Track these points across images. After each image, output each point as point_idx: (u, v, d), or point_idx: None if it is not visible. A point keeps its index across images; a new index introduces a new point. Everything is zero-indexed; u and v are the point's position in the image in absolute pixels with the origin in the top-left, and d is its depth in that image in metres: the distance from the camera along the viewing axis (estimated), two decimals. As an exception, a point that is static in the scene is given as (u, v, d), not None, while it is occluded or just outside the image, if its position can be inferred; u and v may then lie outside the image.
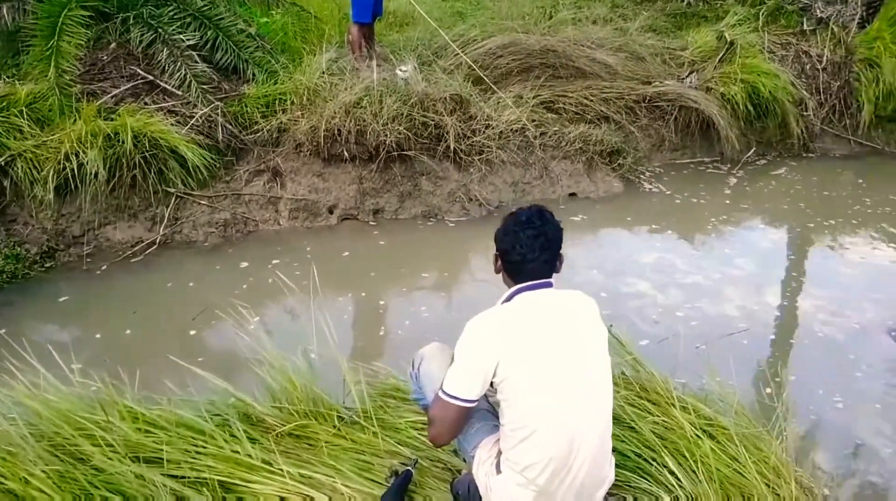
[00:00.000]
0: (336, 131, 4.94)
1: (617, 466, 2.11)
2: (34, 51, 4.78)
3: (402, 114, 5.00)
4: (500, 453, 1.99)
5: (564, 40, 6.21)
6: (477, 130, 5.34)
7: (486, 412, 2.12)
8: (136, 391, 2.63)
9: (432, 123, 5.09)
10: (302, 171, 5.11)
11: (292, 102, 5.14)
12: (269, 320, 3.92)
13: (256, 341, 2.72)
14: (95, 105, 4.63)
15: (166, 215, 4.69)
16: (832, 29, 6.81)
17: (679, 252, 4.77)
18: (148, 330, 3.82)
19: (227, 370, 3.31)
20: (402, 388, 2.80)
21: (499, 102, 5.61)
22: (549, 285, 1.98)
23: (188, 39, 5.09)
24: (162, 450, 2.22)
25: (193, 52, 5.07)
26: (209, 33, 5.24)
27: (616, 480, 2.09)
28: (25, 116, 4.51)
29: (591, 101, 5.97)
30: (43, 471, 2.14)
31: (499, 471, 1.99)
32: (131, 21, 5.09)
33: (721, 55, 6.37)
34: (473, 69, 5.78)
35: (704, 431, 2.35)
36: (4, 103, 4.55)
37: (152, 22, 5.06)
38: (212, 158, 4.80)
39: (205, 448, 2.30)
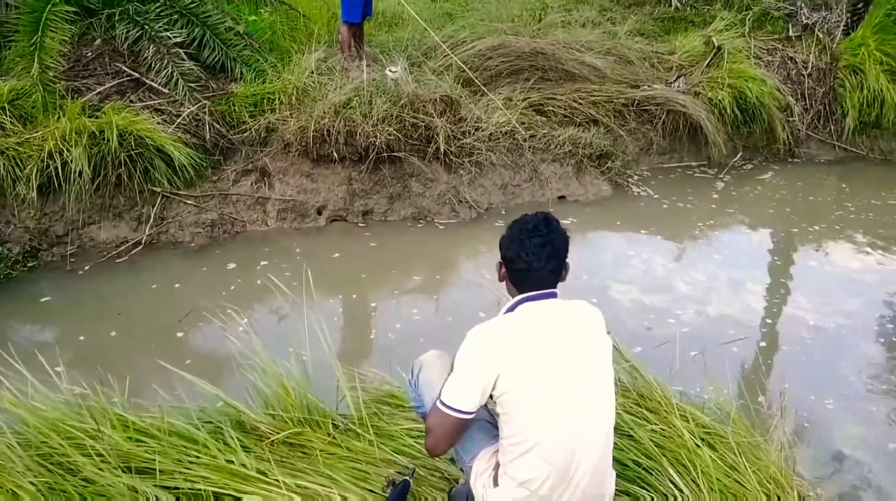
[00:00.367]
0: (325, 132, 4.89)
1: (617, 475, 2.09)
2: (17, 46, 4.68)
3: (392, 115, 4.97)
4: (498, 465, 1.96)
5: (554, 43, 6.21)
6: (467, 132, 5.32)
7: (484, 421, 2.09)
8: (123, 395, 2.57)
9: (422, 124, 5.07)
10: (290, 171, 5.05)
11: (281, 102, 5.08)
12: (259, 322, 3.86)
13: (247, 344, 2.68)
14: (80, 102, 4.55)
15: (152, 215, 4.61)
16: (817, 35, 6.89)
17: (668, 257, 4.79)
18: (133, 332, 3.75)
19: (216, 373, 3.27)
20: (398, 394, 2.77)
21: (489, 104, 5.59)
22: (554, 295, 1.94)
23: (175, 37, 5.00)
24: (154, 460, 2.16)
25: (180, 50, 4.99)
26: (196, 31, 5.16)
27: (616, 490, 2.08)
28: (8, 113, 4.41)
29: (580, 104, 5.98)
30: (32, 483, 2.08)
31: (496, 484, 1.95)
32: (117, 17, 4.99)
33: (708, 60, 6.41)
34: (463, 71, 5.75)
35: (703, 439, 2.34)
36: (-14, 100, 4.44)
37: (138, 18, 4.97)
38: (199, 158, 4.73)
39: (198, 457, 2.25)
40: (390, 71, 5.25)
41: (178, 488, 2.19)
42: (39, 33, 4.53)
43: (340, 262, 4.59)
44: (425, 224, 5.08)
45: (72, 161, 4.23)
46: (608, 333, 2.02)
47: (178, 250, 4.58)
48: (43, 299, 4.00)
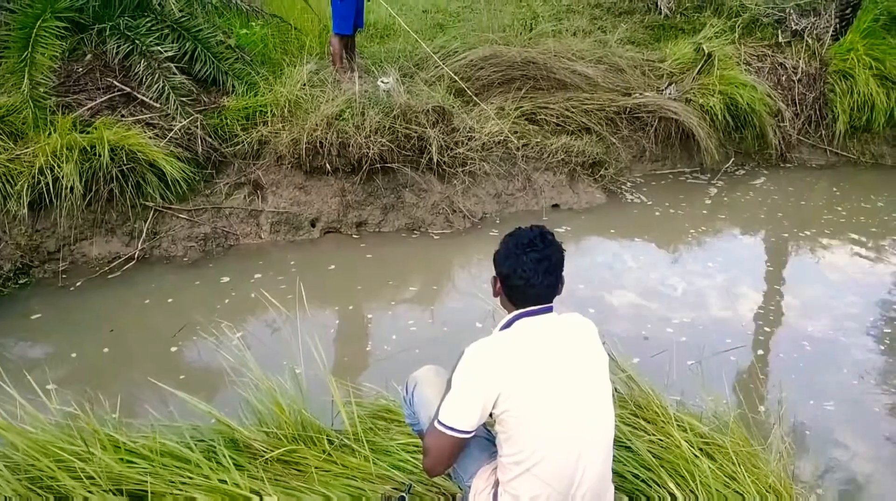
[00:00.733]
0: (318, 144, 4.88)
1: (616, 489, 2.07)
2: (7, 62, 4.66)
3: (385, 126, 4.96)
4: (497, 483, 1.93)
5: (545, 52, 6.23)
6: (460, 142, 5.32)
7: (482, 439, 2.06)
8: (116, 414, 2.54)
9: (415, 135, 5.06)
10: (283, 184, 5.03)
11: (273, 115, 5.07)
12: (253, 336, 3.83)
13: (240, 360, 2.65)
14: (71, 118, 4.53)
15: (144, 230, 4.58)
16: (807, 41, 6.93)
17: (662, 264, 4.79)
18: (126, 349, 3.71)
19: (211, 389, 3.24)
20: (393, 409, 2.74)
21: (481, 114, 5.59)
22: (550, 309, 1.92)
23: (166, 51, 5.00)
24: (146, 482, 2.13)
25: (171, 64, 4.98)
26: (187, 45, 5.16)
27: (615, 503, 2.06)
28: (-2, 130, 4.38)
29: (573, 112, 5.99)
30: (20, 508, 2.05)
31: (496, 503, 1.93)
32: (107, 32, 4.98)
33: (699, 67, 6.44)
34: (455, 81, 5.75)
35: (701, 449, 2.33)
36: (-24, 116, 4.42)
37: (129, 33, 4.96)
38: (191, 172, 4.71)
39: (191, 478, 2.21)
40: (382, 82, 5.25)
41: (170, 509, 2.16)
42: (30, 49, 4.51)
43: (336, 274, 4.56)
44: (419, 235, 5.07)
45: (63, 177, 4.21)
46: (604, 343, 2.01)
47: (171, 265, 4.55)
48: (34, 317, 3.96)
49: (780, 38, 7.06)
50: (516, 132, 5.63)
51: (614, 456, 2.13)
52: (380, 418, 2.72)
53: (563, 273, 1.97)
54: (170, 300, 4.16)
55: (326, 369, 2.64)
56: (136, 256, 4.50)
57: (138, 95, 4.90)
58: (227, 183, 4.96)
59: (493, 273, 1.99)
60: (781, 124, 6.57)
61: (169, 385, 2.64)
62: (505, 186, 5.50)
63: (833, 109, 6.69)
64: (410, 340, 3.83)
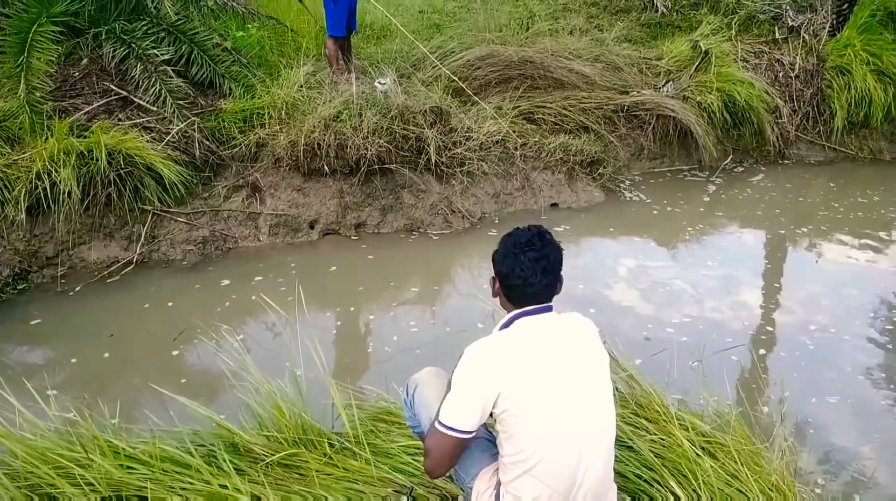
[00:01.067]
0: (315, 145, 4.87)
1: (618, 489, 2.06)
2: (3, 68, 4.65)
3: (383, 127, 4.95)
4: (499, 484, 1.93)
5: (542, 51, 6.22)
6: (458, 142, 5.31)
7: (483, 439, 2.05)
8: (117, 419, 2.53)
9: (413, 135, 5.05)
10: (281, 186, 5.03)
11: (270, 117, 5.06)
12: (254, 339, 3.82)
13: (241, 364, 2.64)
14: (67, 122, 4.51)
15: (143, 234, 4.57)
16: (803, 37, 6.92)
17: (661, 262, 4.78)
18: (127, 353, 3.70)
19: (212, 393, 3.24)
20: (394, 411, 2.74)
21: (479, 114, 5.59)
22: (550, 309, 1.92)
23: (162, 54, 4.98)
24: (146, 488, 2.12)
25: (168, 68, 4.97)
26: (184, 48, 5.14)
27: (617, 503, 2.05)
28: (-5, 135, 4.38)
29: (570, 111, 5.98)
30: (19, 515, 2.04)
31: (498, 504, 1.92)
32: (103, 36, 4.97)
33: (696, 64, 6.43)
34: (453, 81, 5.75)
35: (703, 448, 2.32)
36: (-28, 122, 4.41)
37: (125, 37, 4.95)
38: (189, 175, 4.70)
39: (191, 483, 2.20)
40: (379, 83, 5.24)
41: (171, 515, 2.15)
42: (25, 54, 4.50)
43: (337, 275, 4.56)
44: (418, 235, 5.06)
45: (60, 182, 4.20)
46: (604, 343, 2.00)
47: (170, 269, 4.54)
48: (33, 322, 3.95)
49: (777, 35, 7.05)
50: (514, 131, 5.62)
51: (616, 456, 2.12)
52: (381, 420, 2.72)
53: (562, 273, 1.97)
54: (170, 304, 4.15)
55: (327, 371, 2.63)
56: (134, 260, 4.49)
57: (135, 99, 4.89)
58: (225, 186, 4.95)
59: (492, 273, 1.99)
60: (779, 121, 6.56)
61: (170, 390, 2.63)
62: (503, 186, 5.49)
63: (831, 105, 6.69)
64: (411, 341, 3.82)
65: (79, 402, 2.48)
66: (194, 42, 5.19)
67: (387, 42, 6.62)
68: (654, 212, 5.55)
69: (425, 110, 5.15)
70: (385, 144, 4.92)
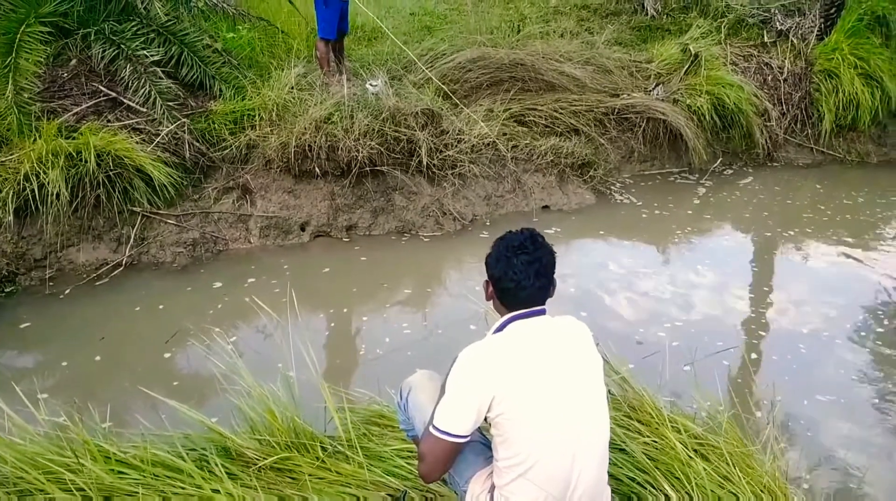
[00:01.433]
0: (306, 147, 4.86)
1: (612, 491, 2.07)
2: (-10, 68, 4.60)
3: (374, 129, 4.95)
4: (493, 487, 1.93)
5: (533, 54, 6.23)
6: (449, 145, 5.31)
7: (477, 443, 2.05)
8: (109, 423, 2.51)
9: (404, 137, 5.05)
10: (272, 188, 5.01)
11: (261, 118, 5.04)
12: (246, 342, 3.80)
13: (233, 367, 2.63)
14: (56, 123, 4.48)
15: (132, 236, 4.54)
16: (792, 41, 6.99)
17: (652, 265, 4.81)
18: (119, 356, 3.67)
19: (204, 395, 3.22)
20: (387, 414, 2.73)
21: (470, 116, 5.59)
22: (543, 312, 1.92)
23: (152, 55, 4.95)
24: (137, 493, 2.10)
25: (158, 68, 4.94)
26: (174, 49, 5.11)
27: (611, 506, 2.05)
28: (-19, 136, 4.33)
29: (561, 114, 6.00)
30: (9, 521, 2.01)
31: (493, 507, 1.92)
32: (92, 37, 4.94)
33: (686, 67, 6.47)
34: (444, 83, 5.75)
35: (696, 451, 2.33)
36: (-41, 123, 4.37)
37: (114, 38, 4.92)
38: (179, 176, 4.68)
39: (183, 488, 2.19)
40: (371, 85, 5.24)
41: (162, 520, 2.14)
42: (13, 54, 4.46)
43: (330, 277, 4.55)
44: (410, 237, 5.06)
45: (49, 183, 4.16)
46: (597, 345, 2.01)
47: (159, 271, 4.51)
48: (23, 326, 3.91)
49: (766, 39, 7.11)
50: (505, 134, 5.63)
51: (610, 459, 2.13)
52: (373, 423, 2.71)
53: (555, 276, 1.97)
54: (161, 307, 4.12)
55: (319, 374, 2.62)
56: (123, 262, 4.46)
57: (124, 100, 4.86)
58: (216, 188, 4.92)
59: (485, 277, 1.99)
60: (768, 124, 6.62)
61: (162, 393, 2.61)
62: (495, 188, 5.50)
63: (819, 109, 6.75)
64: (404, 342, 3.82)
65: (69, 406, 2.45)
66: (184, 43, 5.16)
67: (378, 44, 6.61)
68: (646, 215, 5.58)
69: (416, 112, 5.16)
70: (376, 146, 4.91)
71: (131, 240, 4.53)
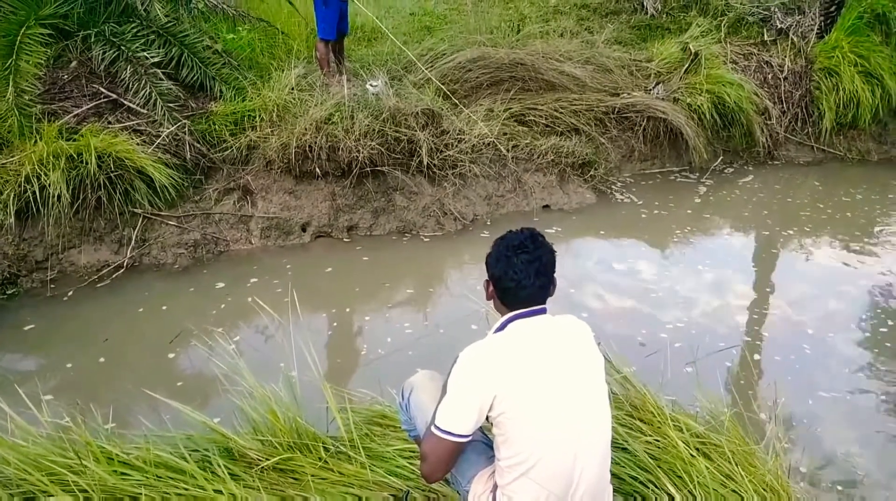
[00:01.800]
0: (307, 148, 4.86)
1: (614, 490, 2.07)
2: (-9, 70, 4.60)
3: (374, 129, 4.95)
4: (496, 487, 1.93)
5: (533, 53, 6.23)
6: (449, 145, 5.31)
7: (479, 442, 2.05)
8: (113, 424, 2.51)
9: (405, 138, 5.05)
10: (273, 188, 5.01)
11: (261, 119, 5.04)
12: (249, 342, 3.81)
13: (235, 368, 2.63)
14: (57, 125, 4.48)
15: (133, 237, 4.54)
16: (792, 39, 6.98)
17: (653, 264, 4.80)
18: (122, 358, 3.68)
19: (208, 396, 3.23)
20: (389, 414, 2.73)
21: (470, 116, 5.59)
22: (544, 311, 1.92)
23: (152, 57, 4.95)
24: (140, 494, 2.10)
25: (158, 70, 4.94)
26: (174, 50, 5.11)
27: (613, 505, 2.05)
28: (-18, 138, 4.34)
29: (561, 113, 6.00)
30: (12, 523, 2.02)
31: (495, 507, 1.92)
32: (93, 39, 4.94)
33: (686, 66, 6.47)
34: (444, 83, 5.75)
35: (698, 449, 2.33)
36: (-40, 125, 4.37)
37: (114, 39, 4.92)
38: (179, 178, 4.68)
39: (186, 489, 2.19)
40: (371, 85, 5.24)
41: (166, 521, 2.14)
42: (14, 57, 4.46)
43: (332, 277, 4.55)
44: (410, 238, 5.06)
45: (50, 185, 4.17)
46: (599, 344, 2.01)
47: (161, 272, 4.51)
48: (26, 328, 3.91)
49: (766, 37, 7.11)
50: (505, 134, 5.63)
51: (612, 459, 2.13)
52: (375, 423, 2.71)
53: (556, 275, 1.97)
54: (164, 308, 4.13)
55: (321, 374, 2.62)
56: (125, 264, 4.46)
57: (125, 102, 4.86)
58: (217, 189, 4.93)
59: (486, 276, 1.99)
60: (768, 122, 6.62)
61: (165, 394, 2.62)
62: (495, 188, 5.50)
63: (819, 107, 6.75)
64: (405, 342, 3.82)
65: (72, 408, 2.45)
66: (184, 44, 5.16)
67: (378, 44, 6.61)
68: (646, 214, 5.58)
69: (417, 113, 5.16)
70: (377, 147, 4.91)
71: (132, 241, 4.53)
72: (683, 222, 5.45)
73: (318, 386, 2.61)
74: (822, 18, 6.92)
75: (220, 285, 4.35)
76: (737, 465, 2.25)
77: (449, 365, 1.92)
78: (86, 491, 2.13)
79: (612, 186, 5.97)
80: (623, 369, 2.70)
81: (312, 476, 2.36)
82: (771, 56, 6.97)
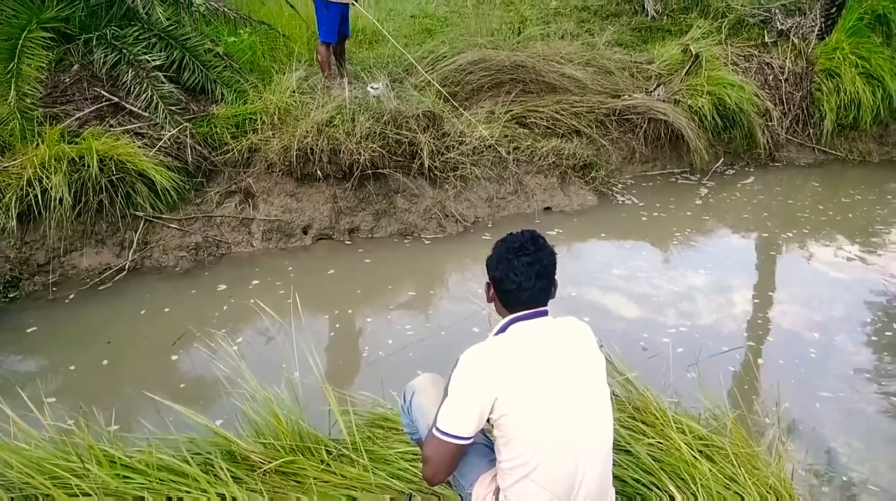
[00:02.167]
0: (308, 150, 4.87)
1: (616, 493, 2.07)
2: (-7, 74, 4.61)
3: (376, 132, 4.96)
4: (498, 489, 1.93)
5: (534, 56, 6.24)
6: (451, 147, 5.32)
7: (481, 445, 2.05)
8: (115, 427, 2.51)
9: (406, 140, 5.05)
10: (274, 191, 5.02)
11: (263, 122, 5.05)
12: (251, 344, 3.81)
13: (237, 370, 2.63)
14: (59, 129, 4.49)
15: (135, 240, 4.55)
16: (793, 41, 6.98)
17: (654, 266, 4.80)
18: (125, 360, 3.69)
19: (209, 399, 3.23)
20: (391, 417, 2.73)
21: (472, 119, 5.59)
22: (545, 313, 1.92)
23: (154, 60, 4.97)
24: (143, 497, 2.10)
25: (159, 73, 4.95)
26: (175, 53, 5.13)
27: (616, 507, 2.05)
28: (-15, 142, 4.35)
29: (562, 115, 6.00)
30: (15, 526, 2.02)
31: (497, 510, 1.92)
32: (94, 42, 4.95)
33: (687, 68, 6.47)
34: (445, 85, 5.75)
35: (701, 451, 2.33)
36: (-38, 129, 4.38)
37: (116, 43, 4.93)
38: (181, 181, 4.69)
39: (188, 492, 2.19)
40: (372, 88, 5.25)
41: (168, 525, 2.14)
42: (16, 60, 4.48)
43: (334, 279, 4.55)
44: (412, 240, 5.06)
45: (52, 188, 4.18)
46: (601, 346, 2.01)
47: (162, 275, 4.52)
48: (29, 331, 3.92)
49: (767, 38, 7.11)
50: (507, 136, 5.64)
51: (615, 461, 2.13)
52: (378, 426, 2.71)
53: (557, 277, 1.97)
54: (166, 310, 4.13)
55: (323, 377, 2.62)
56: (126, 267, 4.47)
57: (126, 105, 4.87)
58: (218, 192, 4.93)
59: (487, 279, 1.99)
60: (769, 124, 6.62)
61: (167, 397, 2.61)
62: (496, 190, 5.50)
63: (820, 108, 6.75)
64: (407, 345, 3.82)
65: (75, 411, 2.45)
66: (186, 47, 5.18)
67: (379, 47, 6.62)
68: (648, 216, 5.58)
69: (418, 115, 5.16)
70: (378, 149, 4.92)
71: (134, 244, 4.54)
72: (684, 224, 5.45)
73: (319, 389, 2.61)
74: (822, 20, 6.92)
75: (222, 287, 4.36)
76: (740, 467, 2.25)
77: (450, 367, 1.92)
78: (88, 495, 2.13)
79: (613, 188, 5.97)
80: (625, 370, 2.70)
81: (315, 479, 2.36)
82: (772, 58, 6.98)
